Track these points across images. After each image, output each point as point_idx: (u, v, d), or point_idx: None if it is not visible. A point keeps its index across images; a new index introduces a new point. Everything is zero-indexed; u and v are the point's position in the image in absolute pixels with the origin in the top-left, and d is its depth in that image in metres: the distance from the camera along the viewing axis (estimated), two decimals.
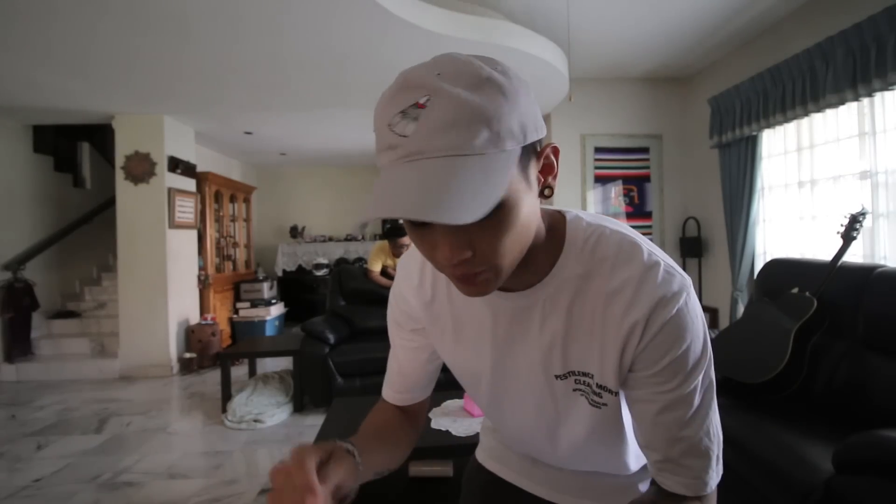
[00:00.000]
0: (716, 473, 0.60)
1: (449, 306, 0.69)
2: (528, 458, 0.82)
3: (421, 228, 0.50)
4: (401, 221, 0.58)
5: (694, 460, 0.59)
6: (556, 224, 0.61)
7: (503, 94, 0.46)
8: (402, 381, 0.79)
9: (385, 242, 3.85)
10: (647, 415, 0.59)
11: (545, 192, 0.55)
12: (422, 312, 0.72)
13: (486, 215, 0.43)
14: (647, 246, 0.59)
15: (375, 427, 0.75)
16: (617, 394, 0.62)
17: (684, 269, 4.39)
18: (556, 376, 0.64)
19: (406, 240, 3.75)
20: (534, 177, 0.52)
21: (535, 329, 0.63)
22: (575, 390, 0.64)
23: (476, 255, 0.48)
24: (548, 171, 0.55)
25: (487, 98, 0.45)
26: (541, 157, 0.53)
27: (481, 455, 0.92)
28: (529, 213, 0.51)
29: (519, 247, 0.52)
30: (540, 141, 0.52)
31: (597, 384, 0.62)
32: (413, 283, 0.71)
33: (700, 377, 0.58)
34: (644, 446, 0.63)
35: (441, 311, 0.70)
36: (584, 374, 0.62)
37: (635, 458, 0.74)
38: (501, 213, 0.47)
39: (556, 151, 0.55)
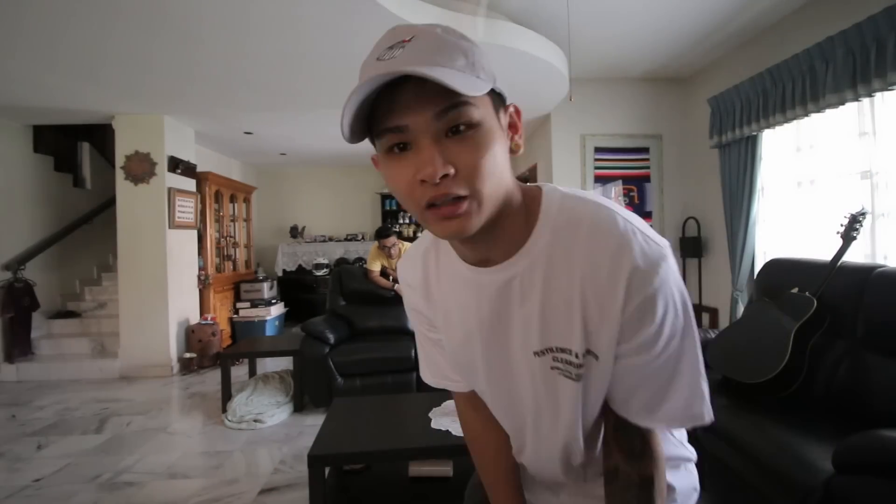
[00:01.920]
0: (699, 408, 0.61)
1: (439, 294, 0.71)
2: (536, 482, 0.79)
3: (402, 154, 0.53)
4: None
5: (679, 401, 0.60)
6: (532, 195, 0.63)
7: (474, 45, 0.55)
8: (438, 368, 0.82)
9: None
10: (633, 376, 0.60)
11: (513, 147, 0.59)
12: (424, 304, 0.74)
13: (467, 125, 0.51)
14: (623, 215, 0.59)
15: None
16: (598, 358, 0.61)
17: (684, 269, 4.42)
18: (535, 353, 0.63)
19: (389, 241, 3.77)
20: (504, 126, 0.57)
21: (515, 305, 0.63)
22: (553, 368, 0.62)
23: (458, 173, 0.51)
24: (513, 129, 0.59)
25: (462, 41, 0.54)
26: (506, 112, 0.59)
27: None
28: (503, 155, 0.55)
29: (496, 180, 0.54)
30: (504, 99, 0.58)
31: (576, 354, 0.61)
32: (412, 277, 0.75)
33: (685, 338, 0.59)
34: (624, 401, 0.63)
35: (436, 299, 0.72)
36: (562, 350, 0.61)
37: None
38: (480, 133, 0.52)
39: (518, 112, 0.60)
